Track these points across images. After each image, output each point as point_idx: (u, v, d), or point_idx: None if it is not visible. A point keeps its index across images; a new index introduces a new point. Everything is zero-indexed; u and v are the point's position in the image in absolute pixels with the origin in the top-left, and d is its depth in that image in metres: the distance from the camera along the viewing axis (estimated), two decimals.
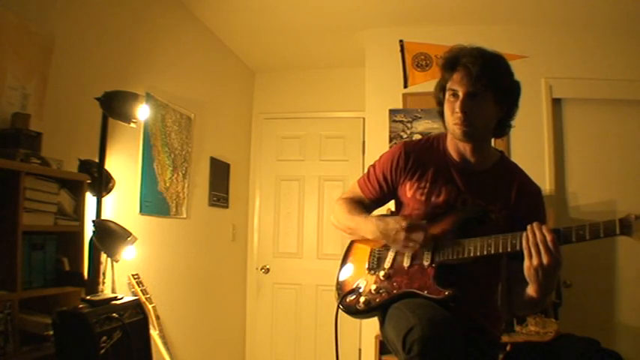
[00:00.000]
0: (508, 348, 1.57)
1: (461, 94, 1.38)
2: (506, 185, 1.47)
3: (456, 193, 1.46)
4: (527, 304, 1.31)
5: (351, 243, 1.64)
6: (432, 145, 1.55)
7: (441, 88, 1.46)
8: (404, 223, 1.39)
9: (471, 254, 1.33)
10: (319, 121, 4.23)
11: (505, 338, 2.55)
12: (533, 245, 1.21)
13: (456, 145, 1.49)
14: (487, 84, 1.36)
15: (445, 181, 1.47)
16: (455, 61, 1.40)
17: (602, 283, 3.18)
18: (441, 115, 1.49)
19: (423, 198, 1.48)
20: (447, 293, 1.32)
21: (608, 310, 3.16)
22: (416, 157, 1.52)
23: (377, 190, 1.58)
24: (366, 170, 1.66)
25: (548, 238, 1.19)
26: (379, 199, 1.61)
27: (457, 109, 1.38)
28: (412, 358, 1.15)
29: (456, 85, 1.39)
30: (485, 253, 1.30)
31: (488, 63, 1.37)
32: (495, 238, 1.30)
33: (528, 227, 1.23)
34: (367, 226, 1.49)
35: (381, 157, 1.61)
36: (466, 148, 1.47)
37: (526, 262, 1.22)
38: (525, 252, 1.22)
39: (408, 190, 1.51)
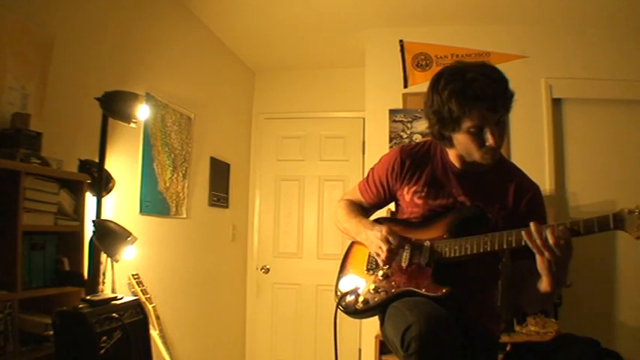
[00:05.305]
0: (508, 348, 1.58)
1: (488, 128, 1.31)
2: (504, 186, 1.47)
3: (454, 195, 1.47)
4: (541, 298, 1.31)
5: (352, 244, 1.67)
6: (429, 149, 1.55)
7: (452, 120, 1.33)
8: (379, 235, 1.44)
9: (468, 252, 1.34)
10: (319, 121, 4.22)
11: (505, 338, 2.55)
12: (542, 245, 1.19)
13: (460, 155, 1.45)
14: (507, 106, 1.34)
15: (442, 184, 1.49)
16: (469, 95, 1.28)
17: (602, 283, 3.18)
18: (444, 139, 1.41)
19: (421, 201, 1.50)
20: (444, 291, 1.34)
21: (608, 310, 3.16)
22: (412, 162, 1.53)
23: (375, 194, 1.63)
24: (366, 171, 1.69)
25: (560, 234, 1.18)
26: (378, 203, 1.66)
27: (491, 143, 1.32)
28: (410, 356, 1.16)
29: (479, 121, 1.30)
30: (481, 250, 1.32)
31: (500, 86, 1.31)
32: (492, 236, 1.31)
33: (539, 227, 1.21)
34: (357, 227, 1.56)
35: (380, 159, 1.63)
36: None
37: (538, 259, 1.22)
38: (536, 251, 1.21)
39: (406, 194, 1.53)
